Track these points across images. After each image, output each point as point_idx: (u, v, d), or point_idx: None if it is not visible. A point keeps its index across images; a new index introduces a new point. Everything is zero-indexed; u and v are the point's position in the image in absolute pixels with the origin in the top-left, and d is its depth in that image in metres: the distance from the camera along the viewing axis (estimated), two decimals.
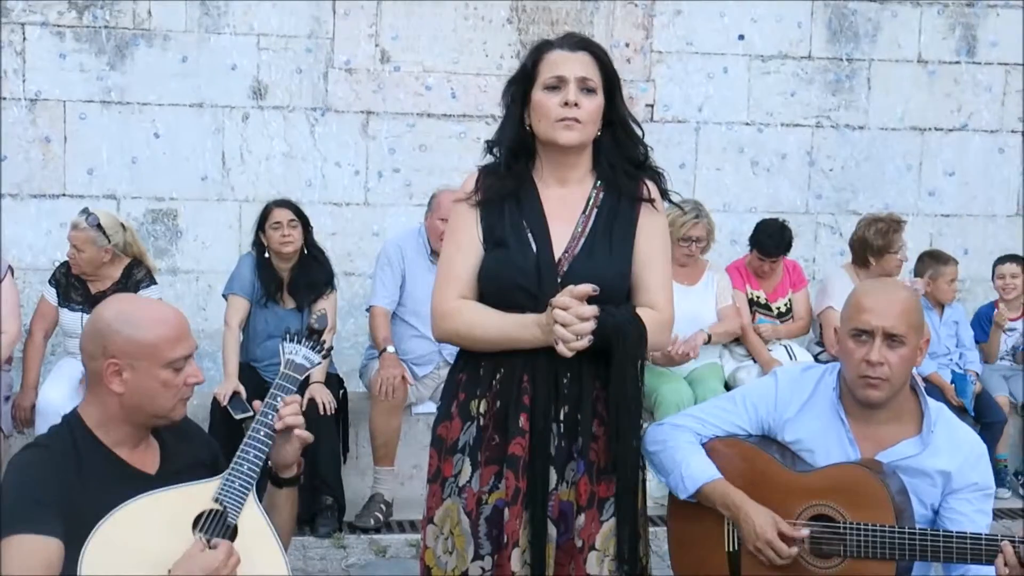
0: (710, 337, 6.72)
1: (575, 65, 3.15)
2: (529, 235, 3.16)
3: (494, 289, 3.15)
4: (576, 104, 3.12)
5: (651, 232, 3.23)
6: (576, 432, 3.10)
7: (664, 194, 3.29)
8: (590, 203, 3.22)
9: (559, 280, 3.09)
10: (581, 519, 3.11)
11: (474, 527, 3.10)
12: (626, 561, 3.13)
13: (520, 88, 3.22)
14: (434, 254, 6.35)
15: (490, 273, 3.16)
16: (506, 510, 3.05)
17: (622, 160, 3.25)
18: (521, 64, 3.26)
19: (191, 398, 3.09)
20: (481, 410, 3.14)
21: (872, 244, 7.04)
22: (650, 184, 3.26)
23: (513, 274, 3.12)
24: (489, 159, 3.32)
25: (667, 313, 3.22)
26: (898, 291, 3.44)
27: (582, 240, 3.17)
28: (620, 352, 3.04)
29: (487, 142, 3.34)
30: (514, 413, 3.08)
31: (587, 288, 2.95)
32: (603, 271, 3.10)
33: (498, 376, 3.13)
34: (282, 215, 6.25)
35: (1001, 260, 7.61)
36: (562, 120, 3.12)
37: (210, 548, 2.75)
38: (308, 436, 3.09)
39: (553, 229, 3.17)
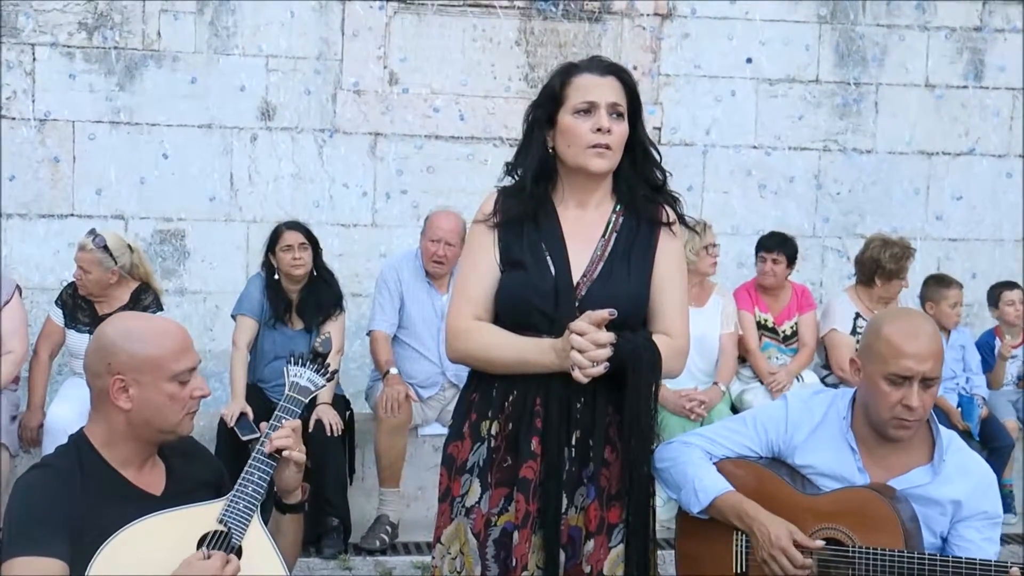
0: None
1: (606, 90, 3.13)
2: (548, 257, 3.14)
3: (511, 310, 3.13)
4: (609, 130, 3.10)
5: (669, 257, 3.22)
6: (588, 457, 3.08)
7: (681, 219, 3.27)
8: (609, 226, 3.20)
9: (577, 304, 3.08)
10: (590, 545, 3.09)
11: (482, 549, 3.09)
12: None
13: (545, 111, 3.19)
14: (428, 276, 6.36)
15: (508, 294, 3.14)
16: (515, 533, 3.03)
17: (641, 184, 3.23)
18: (547, 87, 3.21)
19: (197, 411, 3.08)
20: (492, 432, 3.12)
21: (885, 267, 7.02)
22: (668, 209, 3.25)
23: (531, 296, 3.10)
24: (507, 180, 3.29)
25: (682, 340, 3.20)
26: (926, 327, 3.38)
27: (601, 264, 3.15)
28: (635, 379, 3.02)
29: (507, 164, 3.29)
30: (525, 436, 3.06)
31: (604, 314, 2.93)
32: (621, 296, 3.08)
33: (510, 398, 3.10)
34: (293, 238, 6.25)
35: (1008, 287, 7.55)
36: (594, 147, 3.09)
37: (206, 558, 2.77)
38: (299, 456, 3.05)
39: (572, 252, 3.15)
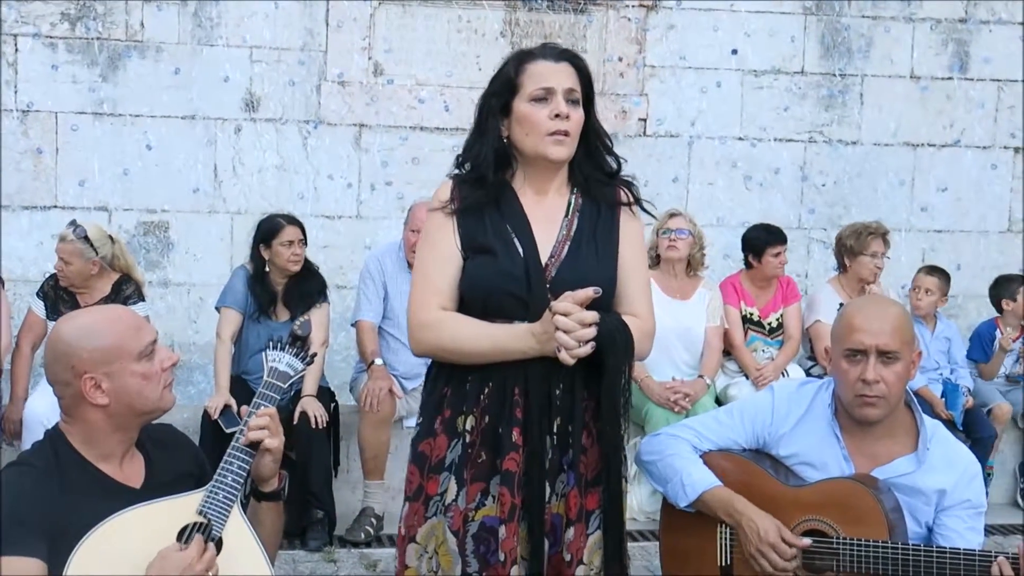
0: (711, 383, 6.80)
1: (561, 76, 3.09)
2: (515, 240, 3.08)
3: (481, 296, 3.07)
4: (567, 116, 3.06)
5: (632, 238, 3.19)
6: (567, 444, 3.04)
7: (638, 201, 3.23)
8: (571, 208, 3.16)
9: (548, 285, 3.04)
10: (571, 533, 3.06)
11: (461, 545, 3.03)
12: (613, 572, 3.08)
13: (500, 100, 3.15)
14: (411, 267, 6.35)
15: (477, 280, 3.08)
16: (502, 528, 2.98)
17: (596, 171, 3.20)
18: (500, 74, 3.17)
19: (173, 382, 3.05)
20: (468, 427, 3.06)
21: (846, 244, 7.14)
22: (625, 191, 3.21)
23: (502, 280, 3.05)
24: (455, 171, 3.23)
25: (650, 322, 3.17)
26: (888, 307, 3.43)
27: (567, 245, 3.11)
28: (612, 360, 2.98)
29: (458, 156, 3.25)
30: (506, 428, 3.00)
31: (589, 292, 2.89)
32: (591, 276, 3.03)
33: (486, 391, 3.04)
34: (294, 233, 6.22)
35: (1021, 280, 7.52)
36: (553, 134, 3.05)
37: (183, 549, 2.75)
38: (272, 443, 3.02)
39: (537, 233, 3.10)
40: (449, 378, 3.11)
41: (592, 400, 3.06)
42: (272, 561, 2.99)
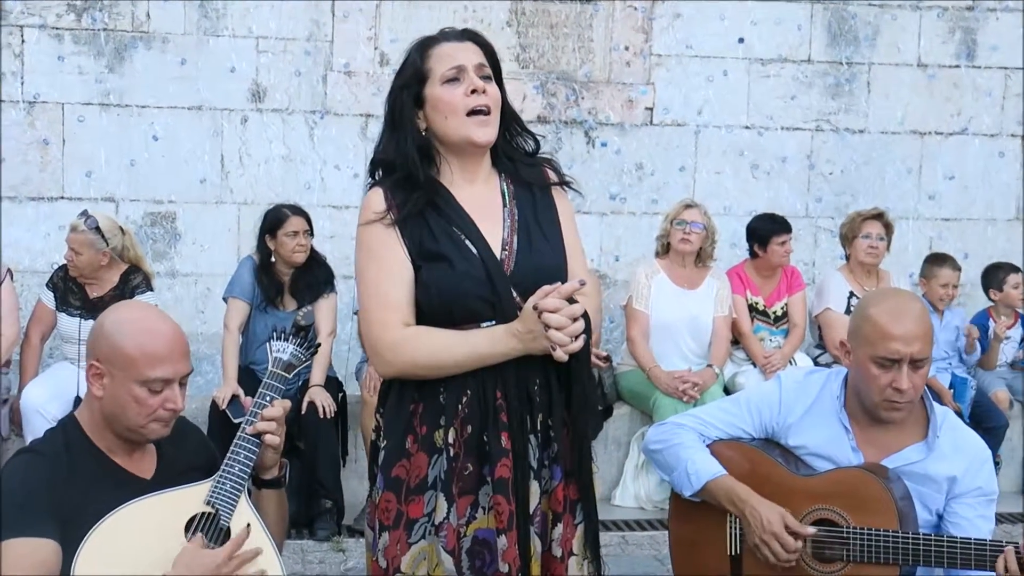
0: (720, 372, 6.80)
1: (469, 53, 2.99)
2: (466, 241, 2.96)
3: (448, 304, 2.92)
4: (484, 91, 2.95)
5: (568, 217, 3.12)
6: (550, 439, 2.95)
7: (564, 180, 3.14)
8: (506, 195, 3.06)
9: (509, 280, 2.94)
10: (559, 527, 2.96)
11: (457, 563, 2.89)
12: (596, 558, 3.03)
13: (411, 91, 3.01)
14: None
15: (439, 288, 2.92)
16: (502, 538, 2.87)
17: (518, 152, 3.12)
18: (407, 65, 3.05)
19: (168, 421, 2.98)
20: (449, 440, 2.91)
21: (844, 234, 7.31)
22: (551, 170, 3.14)
23: (467, 285, 2.91)
24: (387, 175, 3.06)
25: (596, 300, 3.12)
26: (913, 307, 3.36)
27: (516, 235, 3.01)
28: (581, 349, 2.86)
29: (373, 162, 3.09)
30: (493, 434, 2.89)
31: (575, 284, 2.81)
32: (547, 262, 2.98)
33: (464, 400, 2.91)
34: (299, 224, 6.23)
35: (1009, 270, 7.51)
36: (474, 113, 2.94)
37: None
38: (274, 441, 3.02)
39: (482, 228, 2.98)
40: (416, 393, 2.97)
41: (564, 390, 2.97)
42: (280, 548, 2.99)
